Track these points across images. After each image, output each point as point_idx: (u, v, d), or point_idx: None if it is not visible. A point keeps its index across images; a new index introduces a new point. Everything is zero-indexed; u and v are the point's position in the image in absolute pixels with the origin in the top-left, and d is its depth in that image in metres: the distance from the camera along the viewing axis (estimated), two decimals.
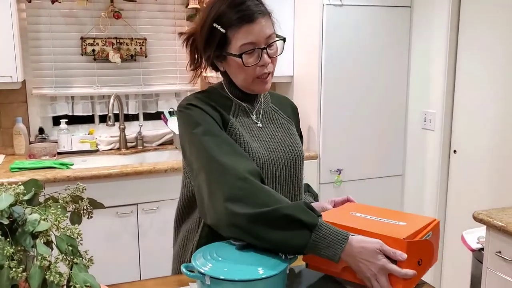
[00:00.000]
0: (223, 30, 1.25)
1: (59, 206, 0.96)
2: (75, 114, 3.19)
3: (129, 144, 3.25)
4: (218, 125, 1.27)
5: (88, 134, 3.23)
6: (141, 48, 3.20)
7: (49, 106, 3.13)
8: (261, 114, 1.39)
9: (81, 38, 3.08)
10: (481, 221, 1.97)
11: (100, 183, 2.62)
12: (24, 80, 3.01)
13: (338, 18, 3.02)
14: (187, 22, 3.28)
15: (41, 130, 3.09)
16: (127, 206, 2.72)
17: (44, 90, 3.06)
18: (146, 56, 3.23)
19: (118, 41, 3.14)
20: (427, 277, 3.17)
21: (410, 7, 3.19)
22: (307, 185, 1.58)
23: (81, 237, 0.92)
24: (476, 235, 2.21)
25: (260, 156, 1.30)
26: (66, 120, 3.09)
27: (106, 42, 3.11)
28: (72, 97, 3.17)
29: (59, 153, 3.02)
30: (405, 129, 3.33)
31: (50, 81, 3.08)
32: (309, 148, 3.23)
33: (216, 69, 1.35)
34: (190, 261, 1.15)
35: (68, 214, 1.04)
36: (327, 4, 2.97)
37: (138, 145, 3.27)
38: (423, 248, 1.11)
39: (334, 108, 3.12)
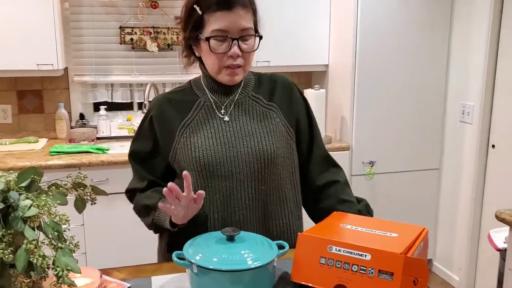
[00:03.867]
0: (200, 12, 1.26)
1: (50, 193, 1.02)
2: (114, 101, 3.32)
3: None
4: (153, 139, 1.38)
5: (126, 120, 3.35)
6: (177, 37, 3.26)
7: (89, 93, 3.27)
8: (232, 107, 1.37)
9: (120, 27, 3.18)
10: (503, 220, 1.89)
11: None
12: (66, 68, 3.15)
13: (375, 7, 2.95)
14: None
15: (81, 116, 3.24)
16: None
17: (85, 78, 3.20)
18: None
19: (155, 30, 3.22)
20: (461, 276, 3.09)
21: None
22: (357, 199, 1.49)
23: (68, 223, 0.97)
24: (504, 234, 2.13)
25: (211, 154, 1.31)
26: (106, 106, 3.22)
27: (143, 31, 3.20)
28: (112, 85, 3.29)
29: (98, 138, 3.16)
30: (442, 121, 3.22)
31: (90, 68, 3.21)
32: (342, 139, 3.20)
33: (193, 53, 1.35)
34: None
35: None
36: None
37: None
38: (418, 267, 1.07)
39: (368, 99, 3.06)
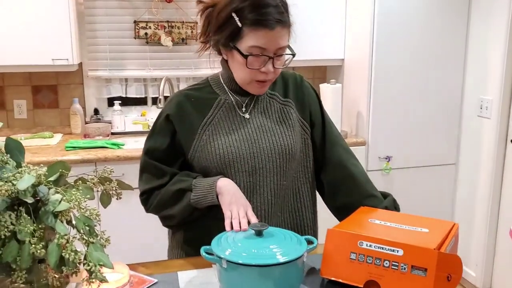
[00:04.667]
0: (239, 24, 1.23)
1: (80, 188, 1.01)
2: (128, 96, 3.31)
3: None
4: (171, 136, 1.36)
5: (141, 115, 3.34)
6: (192, 32, 3.25)
7: (104, 88, 3.26)
8: (252, 105, 1.38)
9: (134, 21, 3.16)
10: None
11: None
12: (81, 63, 3.14)
13: (391, 0, 2.92)
14: None
15: (96, 111, 3.23)
16: None
17: (99, 72, 3.19)
18: (196, 40, 3.27)
19: (169, 24, 3.20)
20: (477, 272, 3.06)
21: None
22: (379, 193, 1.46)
23: (99, 218, 0.96)
24: None
25: (234, 150, 1.32)
26: (120, 101, 3.21)
27: (158, 25, 3.18)
28: (126, 80, 3.29)
29: (112, 134, 3.15)
30: (460, 116, 3.19)
31: (105, 63, 3.20)
32: (358, 134, 3.17)
33: (220, 53, 1.35)
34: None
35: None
36: None
37: None
38: (452, 262, 1.05)
39: (385, 93, 3.03)
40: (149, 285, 1.16)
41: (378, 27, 2.93)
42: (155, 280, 1.18)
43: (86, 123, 3.18)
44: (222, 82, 1.40)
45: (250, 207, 1.25)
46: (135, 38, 3.19)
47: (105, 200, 1.17)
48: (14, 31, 2.74)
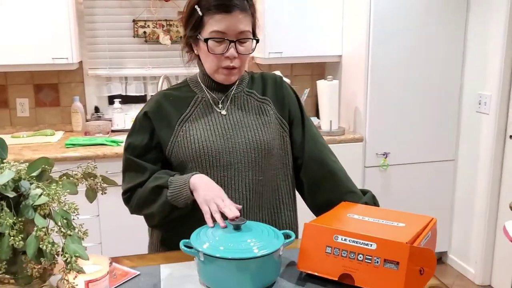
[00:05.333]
0: (200, 13, 1.30)
1: (60, 183, 1.04)
2: (128, 94, 3.35)
3: None
4: (150, 133, 1.39)
5: None
6: None
7: (104, 86, 3.31)
8: (229, 102, 1.42)
9: (133, 20, 3.20)
10: None
11: None
12: (81, 61, 3.19)
13: None
14: None
15: (96, 109, 3.28)
16: None
17: (99, 71, 3.24)
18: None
19: (168, 23, 3.24)
20: (477, 269, 3.06)
21: None
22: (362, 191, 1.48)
23: (77, 212, 0.99)
24: None
25: (210, 145, 1.35)
26: (120, 99, 3.25)
27: (156, 24, 3.22)
28: (126, 78, 3.33)
29: (112, 131, 3.19)
30: (458, 112, 3.18)
31: (104, 62, 3.24)
32: (355, 130, 3.18)
33: (192, 49, 1.40)
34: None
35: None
36: None
37: None
38: (425, 256, 1.07)
39: (382, 89, 3.04)
40: (131, 277, 1.19)
41: (374, 23, 2.94)
42: (138, 273, 1.21)
43: (87, 120, 3.23)
44: (199, 80, 1.44)
45: (226, 197, 1.25)
46: (134, 36, 3.23)
47: (91, 195, 1.20)
48: (15, 31, 2.79)
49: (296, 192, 1.52)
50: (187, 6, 1.35)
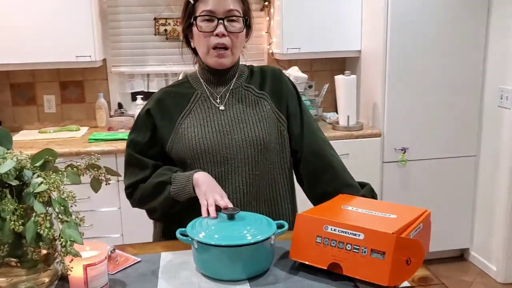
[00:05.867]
0: (192, 2, 1.38)
1: (61, 172, 1.10)
2: (150, 90, 3.43)
3: None
4: (151, 130, 1.44)
5: None
6: None
7: (127, 83, 3.40)
8: (227, 97, 1.45)
9: (154, 18, 3.28)
10: None
11: None
12: (105, 59, 3.29)
13: None
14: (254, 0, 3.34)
15: (120, 105, 3.38)
16: None
17: (122, 68, 3.33)
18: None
19: None
20: (499, 266, 3.00)
21: None
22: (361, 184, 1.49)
23: (74, 200, 1.05)
24: None
25: (207, 142, 1.39)
26: (142, 96, 3.33)
27: (177, 22, 3.28)
28: (148, 75, 3.41)
29: None
30: (480, 106, 3.13)
31: (127, 59, 3.33)
32: (373, 125, 3.17)
33: (189, 43, 1.46)
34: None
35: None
36: None
37: None
38: (412, 247, 1.08)
39: (401, 84, 3.02)
40: (132, 263, 1.25)
41: (393, 18, 2.92)
42: (139, 259, 1.27)
43: (111, 116, 3.33)
44: (198, 75, 1.48)
45: (225, 195, 1.30)
46: (155, 34, 3.31)
47: (95, 186, 1.26)
48: (40, 30, 2.90)
49: (297, 185, 1.54)
50: (183, 3, 1.42)
